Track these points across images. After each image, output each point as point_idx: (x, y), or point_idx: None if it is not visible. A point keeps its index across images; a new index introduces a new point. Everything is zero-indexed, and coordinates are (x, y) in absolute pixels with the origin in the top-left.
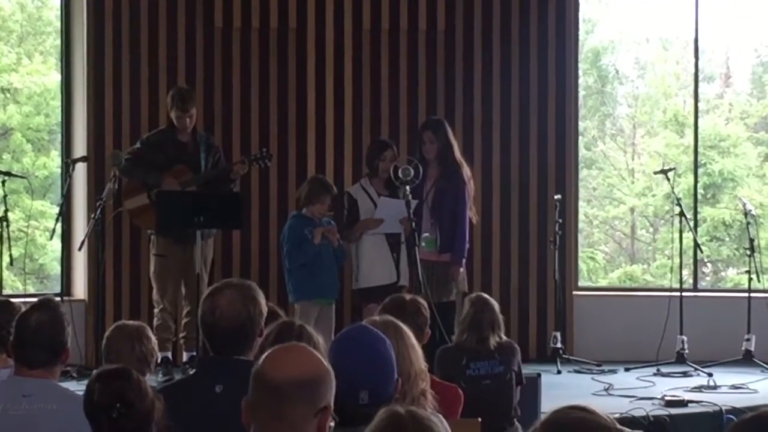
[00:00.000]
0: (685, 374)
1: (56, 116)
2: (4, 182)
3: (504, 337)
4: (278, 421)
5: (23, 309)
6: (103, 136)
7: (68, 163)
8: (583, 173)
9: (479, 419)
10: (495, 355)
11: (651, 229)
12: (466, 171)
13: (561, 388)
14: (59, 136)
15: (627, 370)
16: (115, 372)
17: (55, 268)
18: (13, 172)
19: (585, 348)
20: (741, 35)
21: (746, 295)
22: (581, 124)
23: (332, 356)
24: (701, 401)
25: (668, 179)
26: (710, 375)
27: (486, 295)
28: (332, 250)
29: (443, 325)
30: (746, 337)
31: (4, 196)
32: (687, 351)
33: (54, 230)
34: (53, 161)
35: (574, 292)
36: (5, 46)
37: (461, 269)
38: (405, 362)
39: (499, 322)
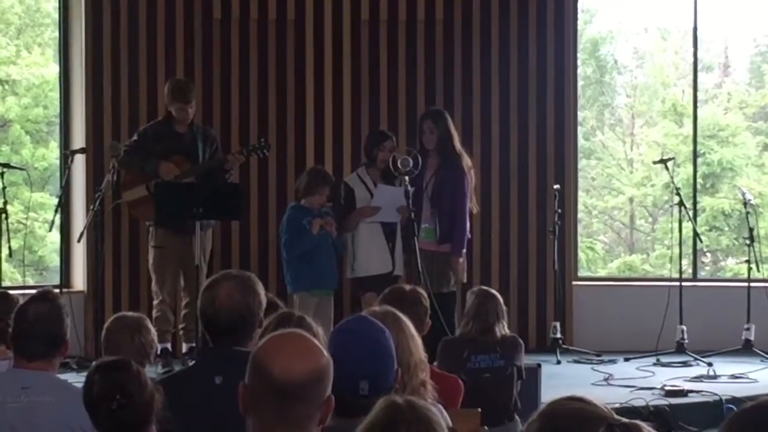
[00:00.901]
0: (684, 364)
1: (55, 108)
2: (2, 174)
3: (508, 331)
4: (284, 421)
5: (21, 301)
6: (102, 128)
7: (67, 154)
8: (582, 163)
9: (479, 410)
10: (497, 349)
11: (650, 219)
12: (467, 161)
13: (561, 379)
14: (58, 127)
15: (627, 360)
16: (115, 363)
17: (54, 260)
18: (12, 164)
19: (585, 338)
20: (740, 25)
21: (746, 284)
22: (580, 114)
23: (332, 347)
24: (701, 391)
25: (667, 169)
26: (710, 365)
27: (488, 288)
28: (331, 241)
29: (442, 315)
30: (746, 326)
31: (3, 188)
32: (687, 341)
33: (53, 222)
34: (52, 153)
35: (574, 283)
36: (3, 38)
37: (461, 260)
38: (404, 352)
39: (503, 312)
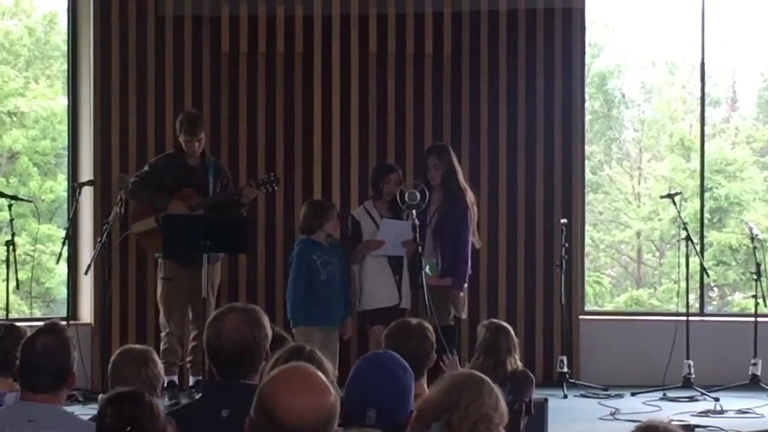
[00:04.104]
0: (691, 399)
1: (63, 140)
2: (11, 206)
3: (520, 365)
4: None
5: (29, 333)
6: (110, 160)
7: (75, 186)
8: (589, 197)
9: None
10: (506, 384)
11: (657, 254)
12: (470, 196)
13: (567, 413)
14: (66, 159)
15: (633, 394)
16: (127, 395)
17: (62, 292)
18: (20, 196)
19: (591, 372)
20: (747, 59)
21: (753, 319)
22: (587, 148)
23: (352, 372)
24: (708, 426)
25: (674, 203)
26: (717, 400)
27: (500, 321)
28: (339, 277)
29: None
30: (753, 361)
31: (11, 220)
32: (693, 375)
33: (60, 254)
34: (60, 185)
35: (581, 317)
36: (13, 71)
37: (461, 294)
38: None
39: (515, 345)
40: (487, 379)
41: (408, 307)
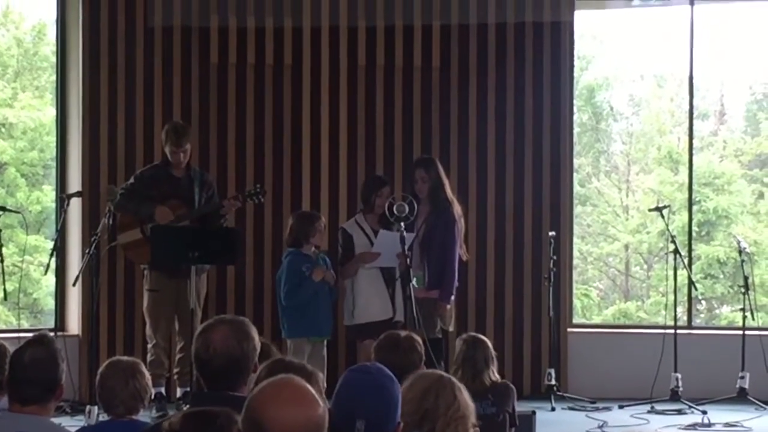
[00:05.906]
0: (679, 412)
1: (51, 151)
2: None
3: (499, 377)
4: None
5: (7, 347)
6: (98, 171)
7: (63, 198)
8: (577, 210)
9: None
10: (488, 396)
11: (645, 266)
12: (457, 209)
13: (555, 426)
14: (54, 170)
15: (621, 407)
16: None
17: (50, 303)
18: (8, 207)
19: (579, 385)
20: (735, 73)
21: (740, 332)
22: (576, 161)
23: (340, 383)
24: None
25: (662, 216)
26: (704, 413)
27: (477, 334)
28: (328, 289)
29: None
30: (740, 374)
31: None
32: (681, 388)
33: (48, 265)
34: (47, 196)
35: (569, 329)
36: (1, 81)
37: (448, 306)
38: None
39: (492, 358)
40: (453, 378)
41: (402, 320)
